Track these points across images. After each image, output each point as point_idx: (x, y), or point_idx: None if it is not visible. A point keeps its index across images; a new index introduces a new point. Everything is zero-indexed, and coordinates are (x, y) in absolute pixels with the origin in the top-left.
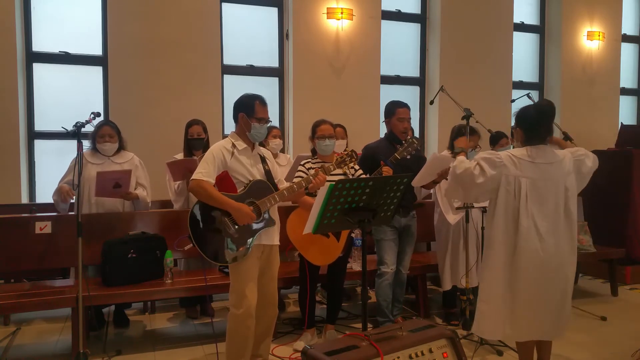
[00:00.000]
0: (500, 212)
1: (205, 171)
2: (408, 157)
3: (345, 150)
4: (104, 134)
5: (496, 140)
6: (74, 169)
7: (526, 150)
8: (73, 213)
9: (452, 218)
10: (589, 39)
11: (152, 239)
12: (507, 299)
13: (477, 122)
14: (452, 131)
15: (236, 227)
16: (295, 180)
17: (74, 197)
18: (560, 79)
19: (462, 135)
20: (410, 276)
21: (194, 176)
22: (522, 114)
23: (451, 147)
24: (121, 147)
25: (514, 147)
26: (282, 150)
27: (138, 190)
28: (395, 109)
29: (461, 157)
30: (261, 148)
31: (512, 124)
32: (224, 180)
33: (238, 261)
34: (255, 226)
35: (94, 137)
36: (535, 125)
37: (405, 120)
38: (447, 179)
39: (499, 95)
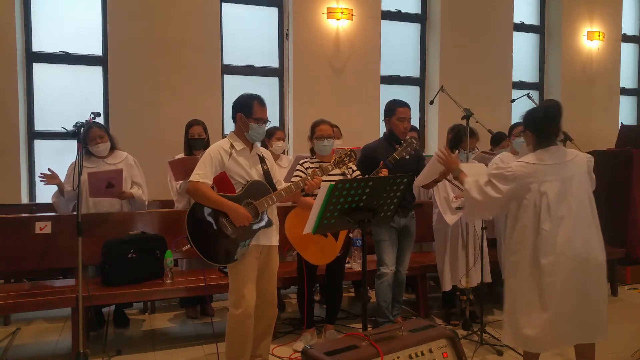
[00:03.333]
0: (523, 220)
1: (202, 173)
2: (407, 157)
3: (344, 149)
4: (94, 136)
5: (498, 141)
6: (72, 174)
7: (536, 155)
8: (73, 213)
9: (451, 219)
10: (589, 39)
11: (152, 239)
12: (540, 306)
13: (477, 122)
14: (450, 131)
15: (233, 228)
16: (293, 180)
17: (74, 189)
18: (560, 79)
19: (461, 136)
20: (410, 276)
21: (191, 178)
22: (530, 116)
23: (450, 146)
24: (113, 146)
25: (511, 148)
26: (283, 152)
27: (133, 189)
28: (395, 108)
29: (468, 179)
30: (260, 148)
31: (512, 123)
32: (222, 181)
33: (244, 257)
34: (253, 227)
35: (85, 141)
36: (545, 127)
37: (406, 120)
38: (448, 179)
39: (499, 95)
